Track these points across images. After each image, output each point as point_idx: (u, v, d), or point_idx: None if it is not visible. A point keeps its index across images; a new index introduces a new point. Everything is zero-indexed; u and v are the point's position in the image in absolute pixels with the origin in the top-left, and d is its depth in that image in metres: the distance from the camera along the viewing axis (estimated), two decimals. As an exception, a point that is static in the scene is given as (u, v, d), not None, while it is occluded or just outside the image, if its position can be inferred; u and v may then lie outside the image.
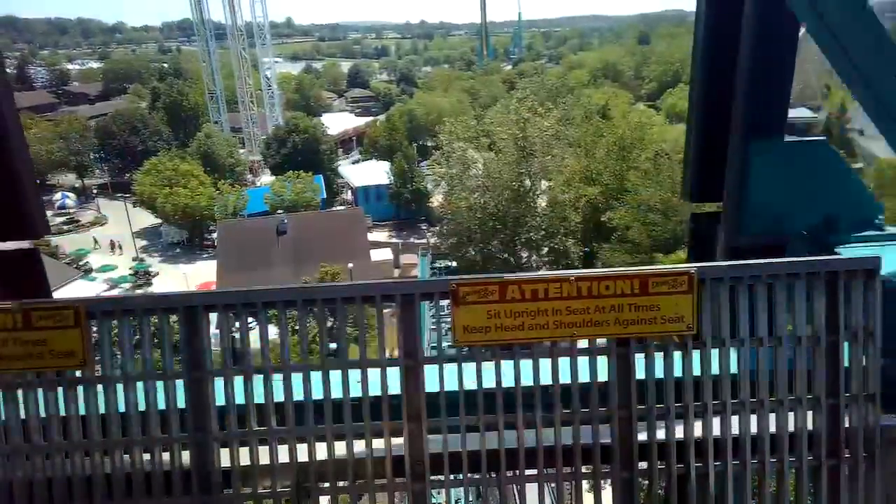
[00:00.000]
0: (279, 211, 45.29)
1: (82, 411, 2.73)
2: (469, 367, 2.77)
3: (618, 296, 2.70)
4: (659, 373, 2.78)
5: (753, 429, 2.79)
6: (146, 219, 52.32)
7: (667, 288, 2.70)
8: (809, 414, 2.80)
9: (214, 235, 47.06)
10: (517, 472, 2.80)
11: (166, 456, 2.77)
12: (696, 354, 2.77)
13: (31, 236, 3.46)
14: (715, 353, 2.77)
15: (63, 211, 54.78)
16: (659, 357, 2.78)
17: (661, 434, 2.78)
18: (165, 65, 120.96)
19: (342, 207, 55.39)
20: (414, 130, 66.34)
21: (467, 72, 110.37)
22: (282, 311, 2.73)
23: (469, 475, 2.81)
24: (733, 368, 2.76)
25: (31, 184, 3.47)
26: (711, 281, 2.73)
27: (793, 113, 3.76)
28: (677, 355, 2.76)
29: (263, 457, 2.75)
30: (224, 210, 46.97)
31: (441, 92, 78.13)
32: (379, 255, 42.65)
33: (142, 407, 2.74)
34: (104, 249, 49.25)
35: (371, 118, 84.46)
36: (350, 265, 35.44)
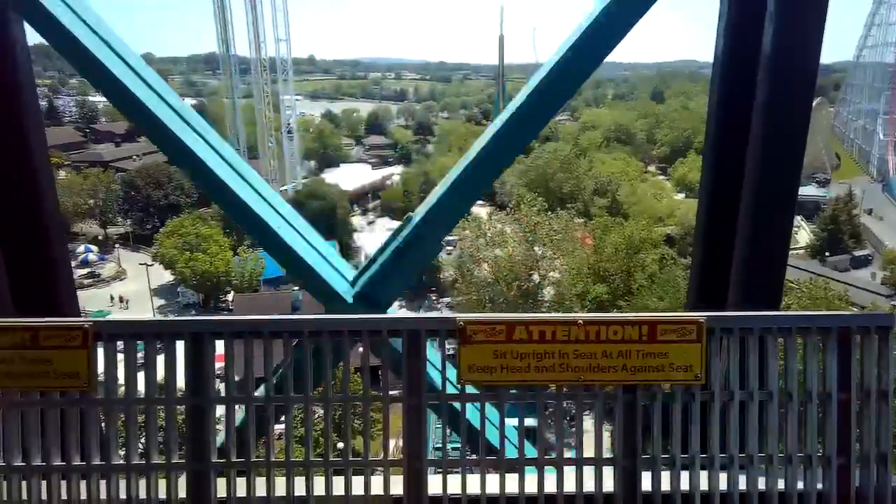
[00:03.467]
0: (294, 288, 46.47)
1: (80, 433, 2.69)
2: (472, 409, 2.75)
3: (626, 342, 2.65)
4: (666, 422, 2.73)
5: (762, 485, 2.70)
6: (164, 275, 53.71)
7: (675, 336, 2.65)
8: (819, 472, 2.72)
9: (229, 297, 48.37)
10: None
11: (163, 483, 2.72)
12: (703, 405, 2.72)
13: (59, 315, 3.48)
14: (722, 404, 2.71)
15: (85, 263, 56.32)
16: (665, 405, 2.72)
17: (665, 485, 2.72)
18: (192, 100, 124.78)
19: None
20: (429, 192, 67.86)
21: (483, 125, 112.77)
22: (288, 342, 2.72)
23: None
24: (742, 421, 2.70)
25: (66, 275, 3.54)
26: (721, 331, 2.68)
27: (801, 191, 3.93)
28: (684, 404, 2.71)
29: (260, 489, 2.69)
30: (242, 276, 48.33)
31: (457, 151, 79.83)
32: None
33: (142, 432, 2.72)
34: (118, 307, 50.59)
35: (387, 171, 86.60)
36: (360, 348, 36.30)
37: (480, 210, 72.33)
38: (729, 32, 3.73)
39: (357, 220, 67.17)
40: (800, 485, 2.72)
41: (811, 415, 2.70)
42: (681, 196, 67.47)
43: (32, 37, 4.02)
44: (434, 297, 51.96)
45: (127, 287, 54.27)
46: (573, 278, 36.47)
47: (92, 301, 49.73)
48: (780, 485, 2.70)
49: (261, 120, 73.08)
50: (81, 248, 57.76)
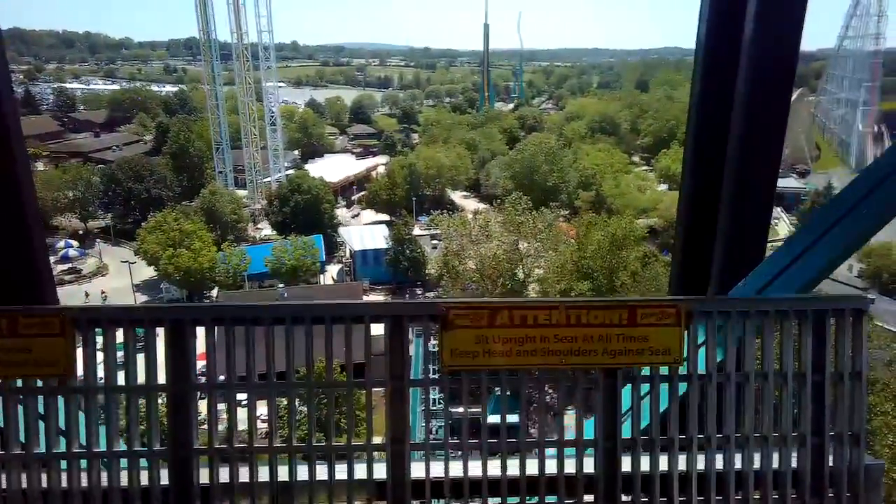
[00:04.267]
0: (280, 285, 46.37)
1: (62, 421, 2.66)
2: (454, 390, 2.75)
3: (606, 325, 2.68)
4: (645, 404, 2.76)
5: (738, 465, 2.76)
6: (146, 271, 53.23)
7: (655, 319, 2.68)
8: (794, 451, 2.78)
9: (213, 293, 48.15)
10: (501, 500, 2.76)
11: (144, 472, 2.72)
12: (682, 387, 2.76)
13: (40, 302, 3.47)
14: (702, 386, 2.76)
15: (65, 259, 55.64)
16: (645, 388, 2.77)
17: (645, 466, 2.76)
18: (171, 87, 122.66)
19: (340, 265, 56.73)
20: (414, 184, 67.81)
21: (468, 113, 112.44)
22: (269, 329, 2.68)
23: (453, 502, 2.77)
24: (719, 402, 2.74)
25: (42, 251, 3.50)
26: (700, 314, 2.72)
27: (781, 182, 3.81)
28: (664, 387, 2.74)
29: (243, 475, 2.69)
30: (226, 272, 48.12)
31: (441, 144, 79.67)
32: (379, 328, 43.45)
33: (123, 420, 2.70)
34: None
35: (372, 161, 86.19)
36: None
37: (465, 202, 72.58)
38: (711, 21, 3.66)
39: (342, 213, 66.90)
40: (775, 464, 2.77)
41: (787, 396, 2.74)
42: (664, 187, 68.00)
43: (5, 20, 3.53)
44: (420, 292, 52.11)
45: (109, 283, 53.69)
46: (557, 275, 36.82)
47: (72, 299, 49.17)
48: (756, 464, 2.76)
49: (243, 109, 72.31)
50: (62, 244, 56.97)
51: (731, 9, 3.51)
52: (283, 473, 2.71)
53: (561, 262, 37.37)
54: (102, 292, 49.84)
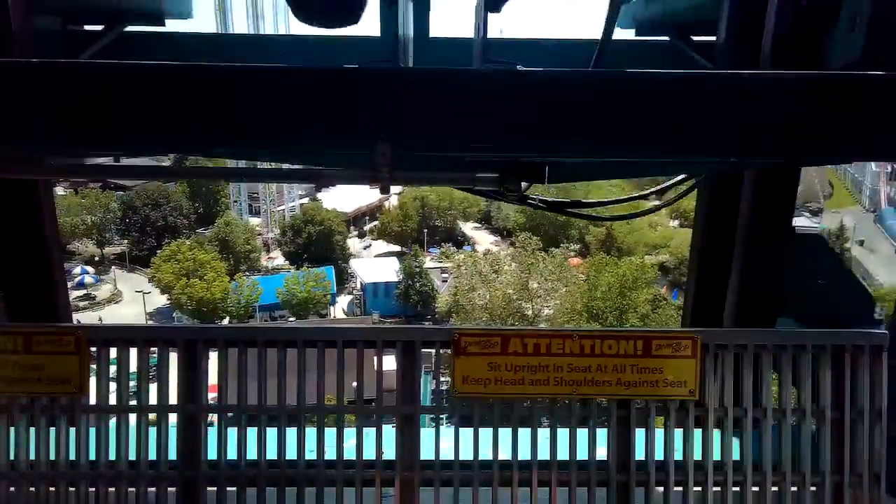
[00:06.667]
0: (291, 318, 46.73)
1: (73, 440, 2.67)
2: (466, 432, 2.73)
3: (621, 356, 2.67)
4: (659, 438, 2.73)
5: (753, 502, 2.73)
6: (159, 299, 53.82)
7: (670, 351, 2.66)
8: (812, 490, 2.73)
9: (224, 322, 48.55)
10: None
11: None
12: (697, 420, 2.73)
13: (53, 320, 3.50)
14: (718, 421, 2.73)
15: (81, 286, 56.44)
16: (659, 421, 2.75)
17: (658, 502, 2.73)
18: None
19: (350, 297, 57.13)
20: (426, 216, 68.41)
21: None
22: (282, 352, 2.69)
23: None
24: (736, 439, 2.71)
25: (59, 272, 3.53)
26: (715, 347, 2.69)
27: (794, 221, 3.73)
28: (679, 421, 2.72)
29: (251, 499, 2.68)
30: (238, 302, 48.62)
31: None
32: (389, 362, 43.52)
33: (133, 440, 2.68)
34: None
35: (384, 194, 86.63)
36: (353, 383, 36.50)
37: (477, 234, 72.89)
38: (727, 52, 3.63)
39: (353, 243, 67.50)
40: (791, 503, 2.73)
41: (805, 433, 2.70)
42: (675, 224, 68.00)
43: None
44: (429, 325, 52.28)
45: (122, 310, 54.35)
46: (566, 315, 36.88)
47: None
48: (773, 502, 2.72)
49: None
50: (78, 270, 57.82)
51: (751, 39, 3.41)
52: (290, 499, 2.71)
53: (571, 302, 37.45)
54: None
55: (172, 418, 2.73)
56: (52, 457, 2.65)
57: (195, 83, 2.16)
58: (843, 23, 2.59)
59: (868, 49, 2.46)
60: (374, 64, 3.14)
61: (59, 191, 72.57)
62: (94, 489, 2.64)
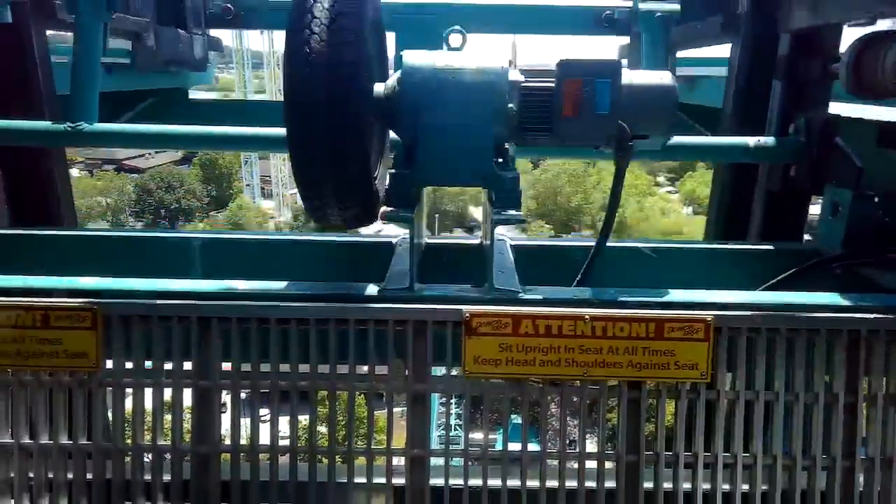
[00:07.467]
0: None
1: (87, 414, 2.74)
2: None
3: (632, 338, 2.70)
4: (669, 419, 2.81)
5: (764, 486, 2.74)
6: (174, 281, 54.26)
7: (682, 333, 2.69)
8: (823, 474, 2.76)
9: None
10: None
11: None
12: (708, 403, 2.73)
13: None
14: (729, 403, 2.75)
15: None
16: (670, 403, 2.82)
17: (668, 484, 2.75)
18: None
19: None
20: (436, 200, 68.44)
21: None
22: (294, 329, 2.77)
23: None
24: (747, 421, 2.73)
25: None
26: (728, 330, 2.74)
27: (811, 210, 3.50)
28: (689, 402, 2.74)
29: (264, 474, 2.73)
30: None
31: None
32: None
33: (148, 414, 2.75)
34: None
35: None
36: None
37: (488, 219, 72.44)
38: (747, 46, 3.61)
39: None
40: (803, 485, 2.71)
41: (817, 416, 2.68)
42: (688, 210, 67.49)
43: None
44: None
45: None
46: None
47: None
48: (784, 485, 2.71)
49: (272, 122, 73.37)
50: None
51: (768, 33, 3.43)
52: (303, 473, 2.72)
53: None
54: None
55: (187, 395, 2.74)
56: (69, 431, 2.65)
57: None
58: None
59: None
60: None
61: (74, 172, 73.54)
62: (110, 461, 2.68)
